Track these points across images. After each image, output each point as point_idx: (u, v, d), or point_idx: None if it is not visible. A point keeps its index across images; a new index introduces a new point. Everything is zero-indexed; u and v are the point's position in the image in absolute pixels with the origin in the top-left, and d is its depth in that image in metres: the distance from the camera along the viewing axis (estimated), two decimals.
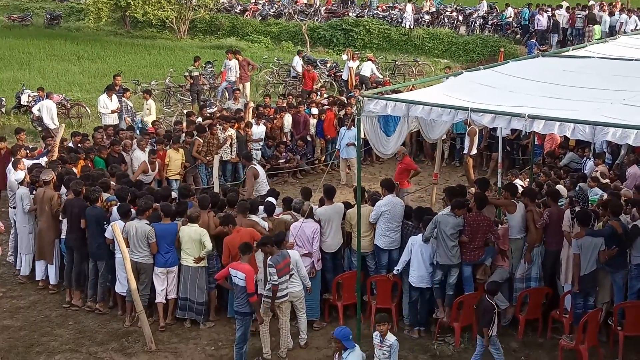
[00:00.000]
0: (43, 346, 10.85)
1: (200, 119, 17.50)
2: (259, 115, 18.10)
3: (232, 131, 16.71)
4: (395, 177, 14.97)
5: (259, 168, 14.60)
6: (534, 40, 30.14)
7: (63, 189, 12.46)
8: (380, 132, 11.69)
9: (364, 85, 23.67)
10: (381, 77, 25.15)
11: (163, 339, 10.99)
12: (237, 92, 20.96)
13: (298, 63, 26.62)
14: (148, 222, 11.10)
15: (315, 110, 18.86)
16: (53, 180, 12.30)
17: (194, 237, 10.99)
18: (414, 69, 28.89)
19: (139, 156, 15.11)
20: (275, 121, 18.48)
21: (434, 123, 12.19)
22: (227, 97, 22.63)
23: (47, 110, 19.16)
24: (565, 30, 31.99)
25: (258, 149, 17.67)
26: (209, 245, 10.97)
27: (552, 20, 31.75)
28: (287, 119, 18.63)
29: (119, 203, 11.70)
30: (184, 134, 16.42)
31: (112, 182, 12.81)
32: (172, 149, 15.49)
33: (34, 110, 19.68)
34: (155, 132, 16.70)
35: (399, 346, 9.19)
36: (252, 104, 19.23)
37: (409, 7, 34.90)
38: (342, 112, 18.97)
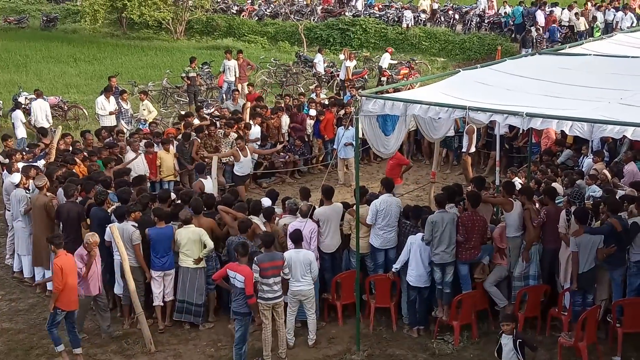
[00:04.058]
0: (42, 349, 10.85)
1: (197, 120, 17.46)
2: (254, 114, 18.05)
3: (234, 135, 16.63)
4: (386, 173, 14.95)
5: (207, 182, 13.87)
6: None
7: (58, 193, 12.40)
8: (380, 132, 11.72)
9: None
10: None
11: (162, 340, 10.99)
12: (237, 92, 20.92)
13: (320, 61, 26.51)
14: (135, 225, 11.07)
15: (313, 112, 18.85)
16: (46, 186, 12.16)
17: (193, 237, 10.97)
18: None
19: (130, 158, 14.95)
20: (273, 121, 18.46)
21: (437, 123, 12.21)
22: (225, 97, 22.61)
23: (40, 111, 18.99)
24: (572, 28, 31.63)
25: None
26: (209, 244, 10.97)
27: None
28: (285, 120, 18.62)
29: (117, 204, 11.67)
30: (180, 135, 16.35)
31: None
32: (162, 150, 15.40)
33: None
34: (151, 133, 16.64)
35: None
36: (249, 105, 19.20)
37: (409, 10, 34.75)
38: (342, 112, 18.98)
